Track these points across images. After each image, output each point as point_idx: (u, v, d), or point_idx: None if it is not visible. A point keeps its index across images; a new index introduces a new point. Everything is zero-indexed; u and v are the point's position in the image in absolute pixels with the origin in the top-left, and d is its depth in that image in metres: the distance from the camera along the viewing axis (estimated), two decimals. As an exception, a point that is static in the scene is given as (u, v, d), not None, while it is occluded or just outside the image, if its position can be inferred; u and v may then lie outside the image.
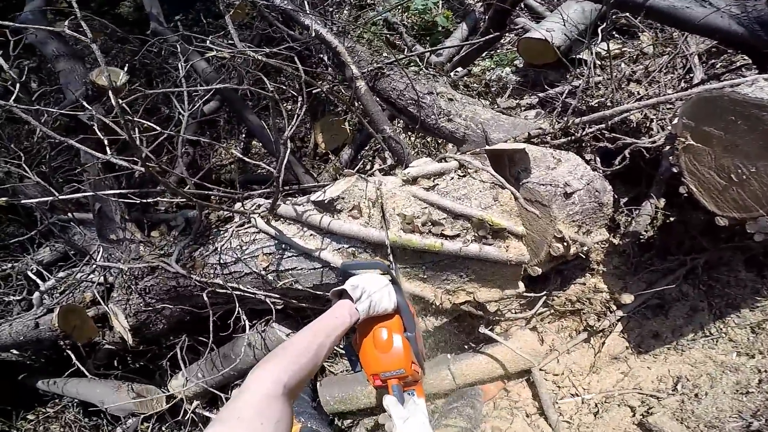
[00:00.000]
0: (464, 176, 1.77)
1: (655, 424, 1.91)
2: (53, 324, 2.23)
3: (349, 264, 1.47)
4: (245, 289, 2.07)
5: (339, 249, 1.84)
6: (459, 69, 2.93)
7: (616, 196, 2.36)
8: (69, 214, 2.21)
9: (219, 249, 2.12)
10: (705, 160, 1.69)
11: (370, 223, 1.77)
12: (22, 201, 1.89)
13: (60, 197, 1.97)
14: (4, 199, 2.25)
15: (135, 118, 1.49)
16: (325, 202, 1.79)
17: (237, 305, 2.08)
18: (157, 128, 1.43)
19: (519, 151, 1.94)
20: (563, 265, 2.39)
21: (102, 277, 2.43)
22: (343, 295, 1.24)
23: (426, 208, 1.73)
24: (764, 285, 2.20)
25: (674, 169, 1.80)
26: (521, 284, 1.83)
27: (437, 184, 1.76)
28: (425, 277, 1.83)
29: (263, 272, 2.03)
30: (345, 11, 3.15)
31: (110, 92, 1.22)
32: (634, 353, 2.24)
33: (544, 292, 2.32)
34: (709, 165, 1.69)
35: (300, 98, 1.38)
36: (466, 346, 2.35)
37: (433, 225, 1.70)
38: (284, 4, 1.93)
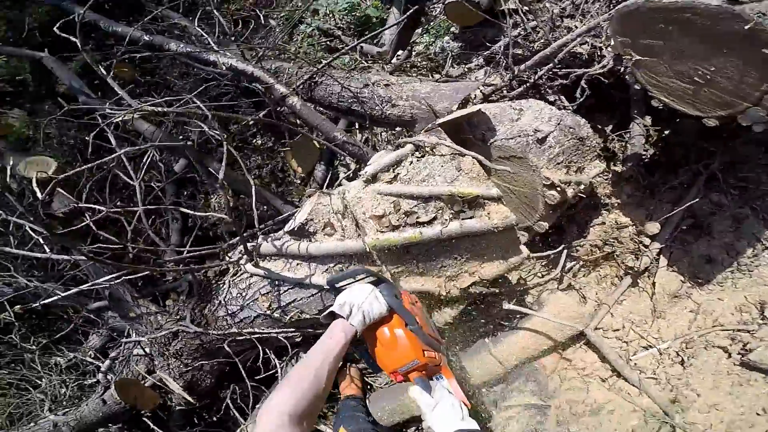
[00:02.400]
0: (422, 156, 1.57)
1: (761, 360, 1.61)
2: (115, 398, 2.23)
3: (333, 279, 1.39)
4: (260, 331, 1.97)
5: (326, 269, 1.69)
6: (400, 53, 2.72)
7: (601, 126, 2.13)
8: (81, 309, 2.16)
9: (223, 301, 2.03)
10: (661, 71, 1.51)
11: (346, 236, 1.61)
12: (32, 305, 1.81)
13: (62, 295, 1.91)
14: (17, 306, 2.22)
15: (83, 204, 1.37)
16: (296, 229, 1.63)
17: (260, 347, 1.98)
18: (103, 208, 1.31)
19: (475, 113, 1.73)
20: (571, 211, 2.15)
21: (142, 350, 2.40)
22: (335, 315, 1.20)
23: (393, 201, 1.55)
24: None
25: (636, 86, 1.61)
26: (524, 248, 1.62)
27: (398, 174, 1.57)
28: (421, 270, 1.65)
29: (268, 312, 1.91)
30: (276, 33, 2.97)
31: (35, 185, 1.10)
32: (694, 286, 1.91)
33: (562, 246, 2.07)
34: (667, 74, 1.51)
35: (222, 139, 1.22)
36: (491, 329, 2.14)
37: (407, 216, 1.52)
38: (181, 48, 1.77)
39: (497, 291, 1.86)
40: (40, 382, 2.55)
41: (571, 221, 2.21)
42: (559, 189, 1.74)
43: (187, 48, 1.82)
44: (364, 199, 1.59)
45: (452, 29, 2.67)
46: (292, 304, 1.85)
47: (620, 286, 2.01)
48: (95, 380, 2.79)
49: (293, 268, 1.77)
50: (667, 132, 2.12)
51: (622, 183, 2.15)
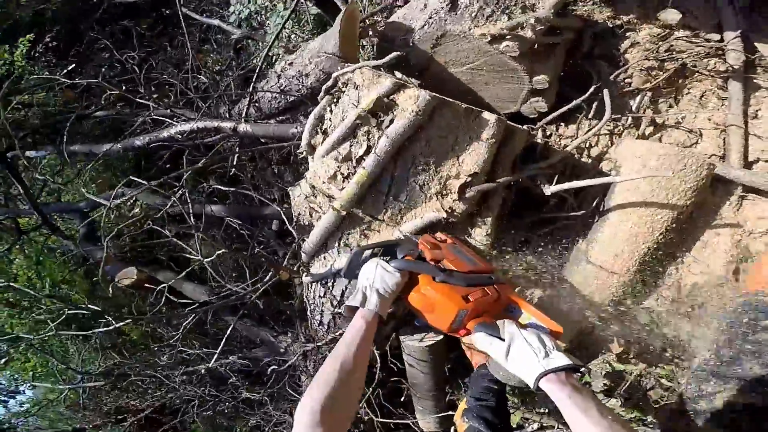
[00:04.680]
0: (336, 101, 1.44)
1: None
2: None
3: (345, 273, 1.28)
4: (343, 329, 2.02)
5: (336, 250, 1.66)
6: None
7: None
8: None
9: (310, 315, 2.17)
10: None
11: (323, 211, 1.57)
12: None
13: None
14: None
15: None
16: (296, 229, 1.67)
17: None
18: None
19: (389, 25, 1.55)
20: (578, 54, 1.66)
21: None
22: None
23: (334, 155, 1.45)
24: None
25: None
26: (488, 114, 1.27)
27: (326, 129, 1.48)
28: (407, 204, 1.46)
29: (338, 310, 1.95)
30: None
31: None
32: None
33: (593, 86, 1.61)
34: None
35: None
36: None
37: (349, 160, 1.39)
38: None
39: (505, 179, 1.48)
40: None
41: (593, 63, 1.69)
42: (509, 38, 1.37)
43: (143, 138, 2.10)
44: (317, 170, 1.54)
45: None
46: (345, 294, 1.85)
47: (732, 94, 1.43)
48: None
49: (322, 262, 1.79)
50: None
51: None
